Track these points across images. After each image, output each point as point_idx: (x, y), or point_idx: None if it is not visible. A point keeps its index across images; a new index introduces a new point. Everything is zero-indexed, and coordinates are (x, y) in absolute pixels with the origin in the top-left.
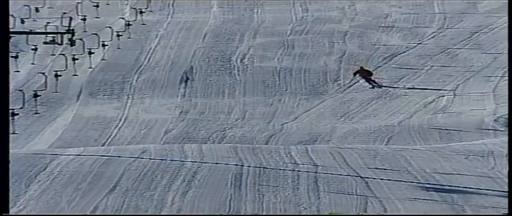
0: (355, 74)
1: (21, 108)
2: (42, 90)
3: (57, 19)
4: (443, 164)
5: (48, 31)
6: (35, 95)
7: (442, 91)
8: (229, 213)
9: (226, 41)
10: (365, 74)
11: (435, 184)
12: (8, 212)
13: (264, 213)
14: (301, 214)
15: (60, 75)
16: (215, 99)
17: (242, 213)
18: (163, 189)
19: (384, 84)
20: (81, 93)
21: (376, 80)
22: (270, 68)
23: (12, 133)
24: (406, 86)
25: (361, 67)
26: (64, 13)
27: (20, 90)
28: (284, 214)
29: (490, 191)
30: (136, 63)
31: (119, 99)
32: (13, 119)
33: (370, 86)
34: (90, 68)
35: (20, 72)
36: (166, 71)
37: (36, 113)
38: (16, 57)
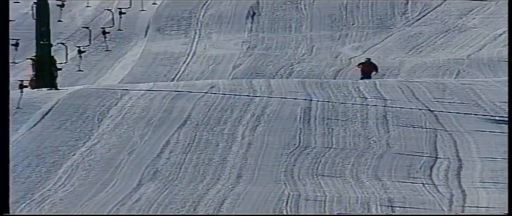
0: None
1: (88, 45)
2: (110, 27)
3: None
4: None
5: None
6: (104, 32)
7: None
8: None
9: None
10: (368, 69)
11: (505, 116)
12: (8, 212)
13: (333, 147)
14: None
15: (124, 13)
16: (282, 34)
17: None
18: (233, 124)
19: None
20: (149, 28)
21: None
22: (336, 2)
23: (78, 71)
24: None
25: (368, 59)
26: None
27: (87, 27)
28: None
29: None
30: None
31: (186, 35)
32: (80, 57)
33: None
34: (154, 4)
35: (90, 6)
36: (233, 6)
37: (107, 50)
38: None
